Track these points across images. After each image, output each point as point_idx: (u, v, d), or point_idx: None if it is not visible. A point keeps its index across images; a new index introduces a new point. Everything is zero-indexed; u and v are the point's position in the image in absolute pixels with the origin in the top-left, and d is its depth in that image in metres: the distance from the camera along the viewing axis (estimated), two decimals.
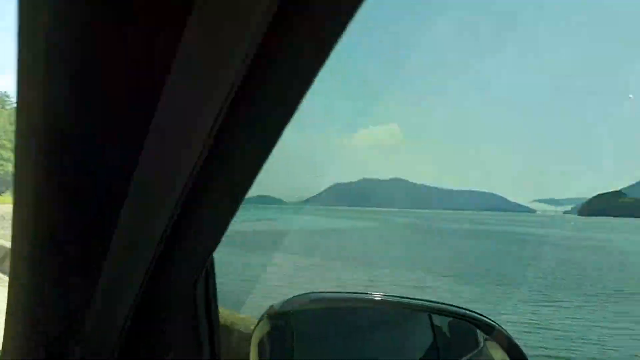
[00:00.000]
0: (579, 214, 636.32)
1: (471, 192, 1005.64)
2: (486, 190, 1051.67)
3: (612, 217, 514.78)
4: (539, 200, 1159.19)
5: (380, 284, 25.91)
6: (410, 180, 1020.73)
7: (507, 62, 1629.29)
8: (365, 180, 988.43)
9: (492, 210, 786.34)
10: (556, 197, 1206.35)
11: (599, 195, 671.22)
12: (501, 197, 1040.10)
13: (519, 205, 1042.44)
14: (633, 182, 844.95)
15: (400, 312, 2.15)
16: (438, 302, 1.92)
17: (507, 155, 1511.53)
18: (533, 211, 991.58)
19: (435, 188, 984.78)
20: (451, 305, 1.86)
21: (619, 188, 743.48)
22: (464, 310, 1.96)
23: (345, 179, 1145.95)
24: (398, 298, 2.06)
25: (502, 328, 1.85)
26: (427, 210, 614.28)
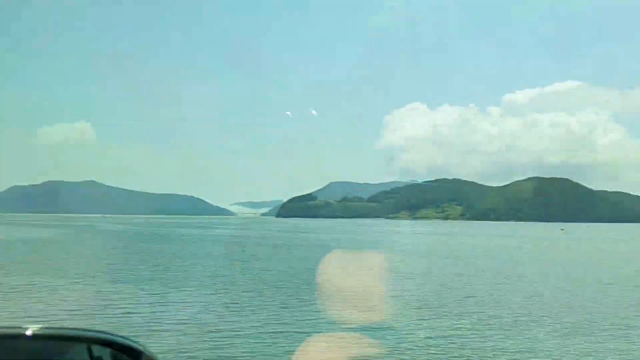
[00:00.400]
0: (278, 216, 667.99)
1: (173, 195, 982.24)
2: (188, 194, 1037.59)
3: (305, 218, 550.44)
4: (238, 203, 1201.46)
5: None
6: (106, 184, 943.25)
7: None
8: (51, 182, 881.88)
9: (195, 214, 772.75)
10: (254, 200, 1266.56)
11: (293, 198, 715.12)
12: (202, 200, 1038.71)
13: (220, 208, 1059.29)
14: (321, 186, 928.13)
15: (51, 344, 2.05)
16: (94, 330, 1.89)
17: (208, 158, 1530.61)
18: (233, 214, 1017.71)
19: (135, 192, 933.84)
20: (105, 333, 1.87)
21: (310, 192, 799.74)
22: (113, 337, 2.03)
23: (26, 181, 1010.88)
24: (51, 329, 2.00)
25: (150, 352, 2.09)
26: (126, 215, 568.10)
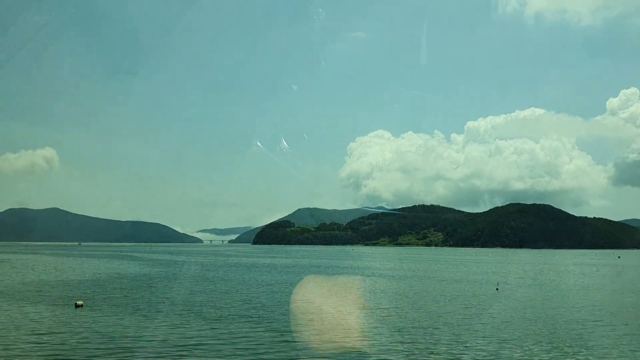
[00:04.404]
0: (254, 243, 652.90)
1: (140, 223, 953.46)
2: (153, 221, 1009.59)
3: (283, 245, 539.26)
4: (204, 231, 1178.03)
5: None
6: (70, 211, 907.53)
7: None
8: (13, 210, 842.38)
9: (163, 242, 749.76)
10: (219, 227, 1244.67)
11: (269, 224, 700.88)
12: (169, 228, 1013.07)
13: (187, 236, 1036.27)
14: (288, 213, 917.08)
15: None
16: None
17: (170, 186, 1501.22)
18: (200, 241, 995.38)
19: (100, 219, 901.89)
20: None
21: (277, 219, 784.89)
22: None
23: None
24: None
25: None
26: (96, 243, 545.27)
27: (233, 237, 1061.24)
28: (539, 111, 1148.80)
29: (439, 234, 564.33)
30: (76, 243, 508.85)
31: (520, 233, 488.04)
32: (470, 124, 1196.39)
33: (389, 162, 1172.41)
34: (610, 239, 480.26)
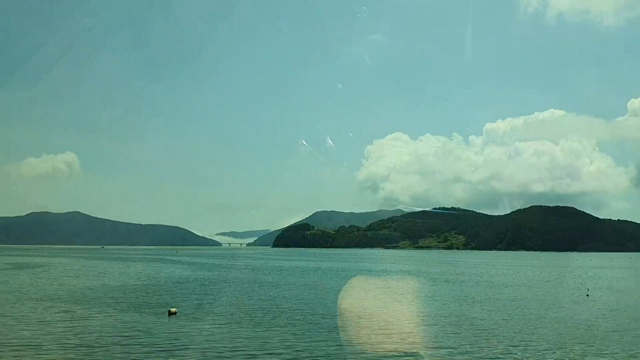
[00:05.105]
0: (274, 245, 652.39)
1: (159, 226, 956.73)
2: (172, 224, 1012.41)
3: (303, 248, 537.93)
4: (222, 234, 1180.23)
5: None
6: (91, 215, 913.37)
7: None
8: (35, 214, 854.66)
9: (182, 245, 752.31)
10: (237, 230, 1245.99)
11: (289, 227, 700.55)
12: (188, 231, 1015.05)
13: (205, 239, 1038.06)
14: (305, 215, 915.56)
15: None
16: None
17: (190, 189, 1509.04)
18: (219, 244, 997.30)
19: (120, 222, 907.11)
20: None
21: (295, 222, 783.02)
22: None
23: (10, 212, 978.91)
24: None
25: None
26: (117, 246, 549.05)
27: (251, 240, 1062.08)
28: (559, 112, 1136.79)
29: (461, 236, 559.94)
30: (99, 246, 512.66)
31: (543, 236, 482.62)
32: (488, 125, 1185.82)
33: (406, 165, 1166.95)
34: (637, 241, 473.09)
